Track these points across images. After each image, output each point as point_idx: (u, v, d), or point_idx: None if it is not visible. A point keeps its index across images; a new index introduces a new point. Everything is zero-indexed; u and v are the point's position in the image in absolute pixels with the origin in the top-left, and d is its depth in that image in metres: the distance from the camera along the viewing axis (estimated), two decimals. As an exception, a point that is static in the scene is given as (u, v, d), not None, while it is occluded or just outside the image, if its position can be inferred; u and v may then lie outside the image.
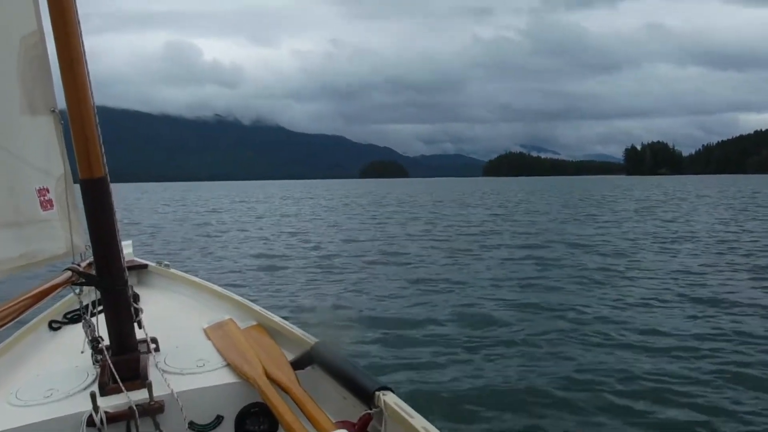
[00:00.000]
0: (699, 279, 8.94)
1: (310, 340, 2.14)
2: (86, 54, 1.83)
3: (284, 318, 2.47)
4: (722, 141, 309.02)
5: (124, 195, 66.80)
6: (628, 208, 28.67)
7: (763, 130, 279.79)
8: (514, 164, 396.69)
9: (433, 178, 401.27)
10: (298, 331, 2.27)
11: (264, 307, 2.64)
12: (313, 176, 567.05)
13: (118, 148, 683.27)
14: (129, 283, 2.00)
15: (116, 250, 1.93)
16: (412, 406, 1.59)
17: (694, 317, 6.62)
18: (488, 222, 21.19)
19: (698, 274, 9.40)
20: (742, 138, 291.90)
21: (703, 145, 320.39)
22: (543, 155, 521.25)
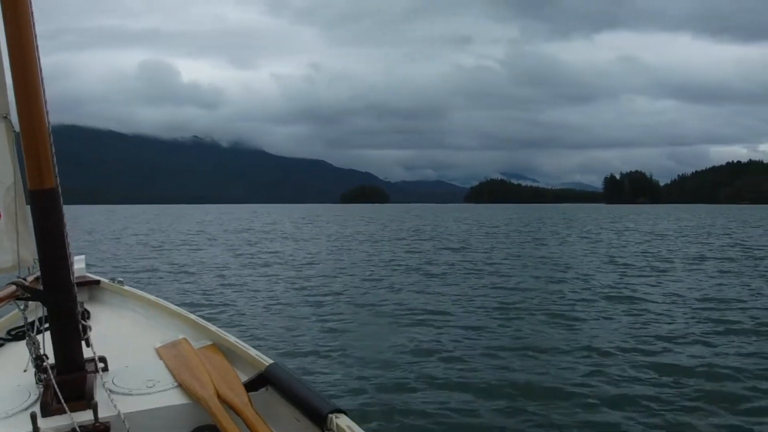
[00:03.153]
0: None
1: (265, 361, 2.11)
2: (45, 65, 1.75)
3: (239, 338, 2.42)
4: (696, 172, 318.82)
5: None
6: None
7: (735, 162, 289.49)
8: (494, 191, 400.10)
9: (415, 204, 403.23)
10: (253, 351, 2.23)
11: (219, 327, 2.58)
12: (293, 200, 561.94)
13: (90, 168, 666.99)
14: (79, 299, 1.93)
15: (65, 265, 1.85)
16: (365, 429, 1.59)
17: None
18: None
19: None
20: (714, 169, 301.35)
21: (678, 175, 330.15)
22: (523, 183, 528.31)
